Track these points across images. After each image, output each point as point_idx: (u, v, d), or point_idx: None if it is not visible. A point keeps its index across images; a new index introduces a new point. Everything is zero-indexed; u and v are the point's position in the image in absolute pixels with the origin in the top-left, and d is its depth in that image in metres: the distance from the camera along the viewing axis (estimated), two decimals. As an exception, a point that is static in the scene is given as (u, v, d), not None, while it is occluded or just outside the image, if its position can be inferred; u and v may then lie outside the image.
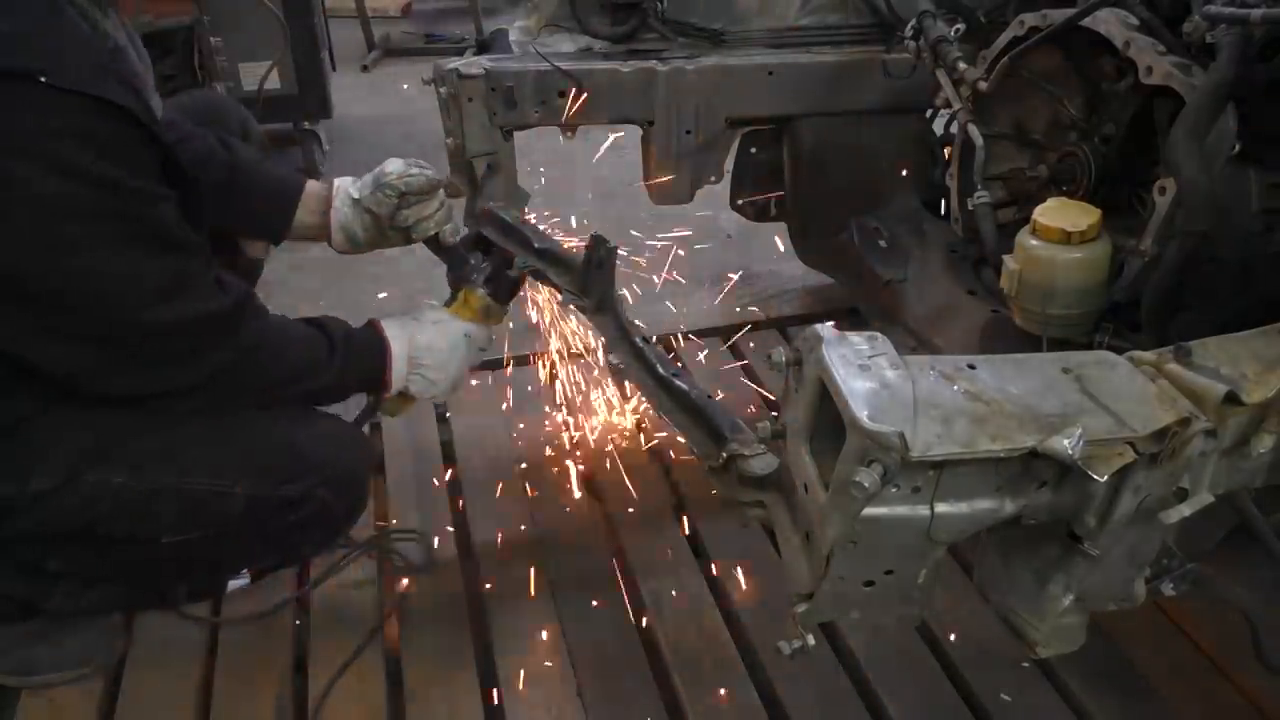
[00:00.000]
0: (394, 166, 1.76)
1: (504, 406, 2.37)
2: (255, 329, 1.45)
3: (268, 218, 1.80)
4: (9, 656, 1.63)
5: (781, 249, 2.66)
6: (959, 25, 1.98)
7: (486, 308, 1.75)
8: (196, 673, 1.70)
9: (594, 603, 1.82)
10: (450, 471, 2.16)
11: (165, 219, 1.28)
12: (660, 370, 1.54)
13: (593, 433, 2.27)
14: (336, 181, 1.82)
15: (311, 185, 1.81)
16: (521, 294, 1.88)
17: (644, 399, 1.56)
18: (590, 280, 1.63)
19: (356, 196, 1.78)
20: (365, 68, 5.41)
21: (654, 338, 1.79)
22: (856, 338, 0.97)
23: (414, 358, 1.65)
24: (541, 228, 1.87)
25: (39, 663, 1.63)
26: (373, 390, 1.68)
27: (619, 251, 1.63)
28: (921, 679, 1.66)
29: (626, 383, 1.63)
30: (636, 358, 1.56)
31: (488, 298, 1.75)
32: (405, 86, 4.71)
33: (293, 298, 2.90)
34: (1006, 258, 1.57)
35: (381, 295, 2.69)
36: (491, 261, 1.79)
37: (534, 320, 2.27)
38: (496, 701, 1.64)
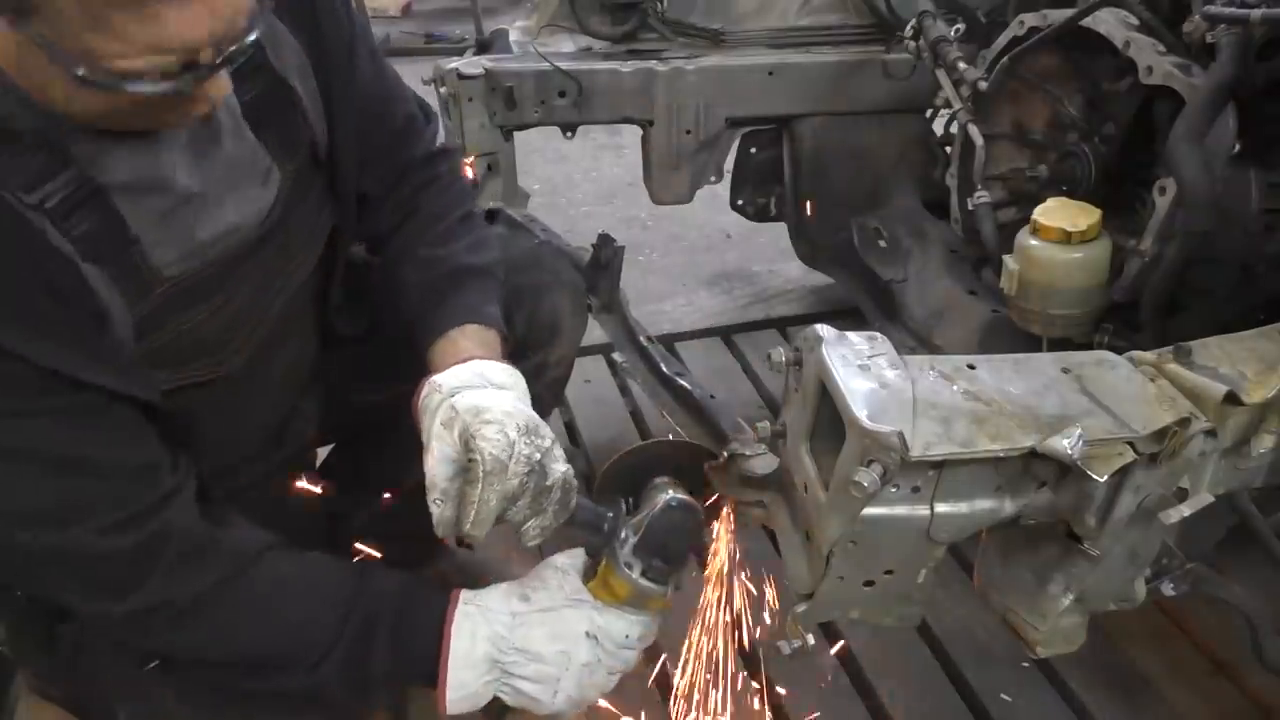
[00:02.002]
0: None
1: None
2: (175, 580, 1.04)
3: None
4: None
5: (781, 249, 2.67)
6: (959, 25, 1.98)
7: (637, 593, 1.13)
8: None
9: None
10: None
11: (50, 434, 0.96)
12: (664, 369, 1.55)
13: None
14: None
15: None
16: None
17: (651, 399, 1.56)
18: (597, 280, 1.63)
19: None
20: (365, 68, 5.40)
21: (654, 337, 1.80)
22: (856, 338, 0.97)
23: (503, 663, 1.11)
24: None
25: None
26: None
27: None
28: (921, 679, 1.66)
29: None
30: (642, 357, 1.57)
31: (640, 579, 1.13)
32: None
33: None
34: (1006, 258, 1.57)
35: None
36: (646, 512, 1.15)
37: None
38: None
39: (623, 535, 1.14)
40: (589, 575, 1.16)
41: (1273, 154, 1.44)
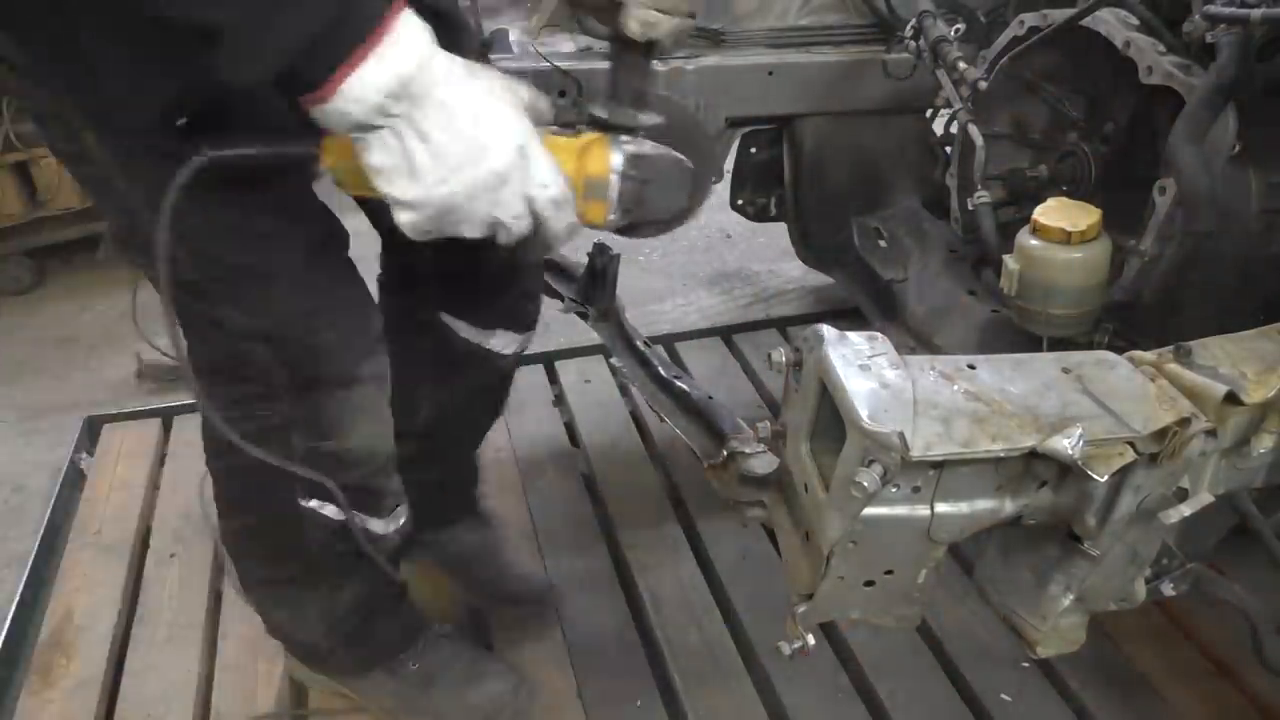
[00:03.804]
0: None
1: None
2: None
3: None
4: (413, 706, 1.55)
5: (781, 249, 2.67)
6: (959, 25, 1.98)
7: (594, 181, 1.00)
8: (197, 668, 1.71)
9: (594, 603, 1.82)
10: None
11: None
12: (662, 372, 1.55)
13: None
14: None
15: None
16: None
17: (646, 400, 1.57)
18: (592, 289, 1.63)
19: None
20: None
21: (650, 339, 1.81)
22: (856, 338, 0.97)
23: (417, 98, 0.87)
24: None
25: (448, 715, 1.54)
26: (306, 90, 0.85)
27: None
28: (921, 679, 1.66)
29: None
30: (640, 363, 1.57)
31: (617, 154, 1.00)
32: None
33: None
34: (1006, 258, 1.57)
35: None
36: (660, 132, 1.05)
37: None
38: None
39: (623, 113, 1.03)
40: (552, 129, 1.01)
41: (1272, 154, 1.44)
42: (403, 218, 0.92)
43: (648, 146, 1.02)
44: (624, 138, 1.02)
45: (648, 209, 1.03)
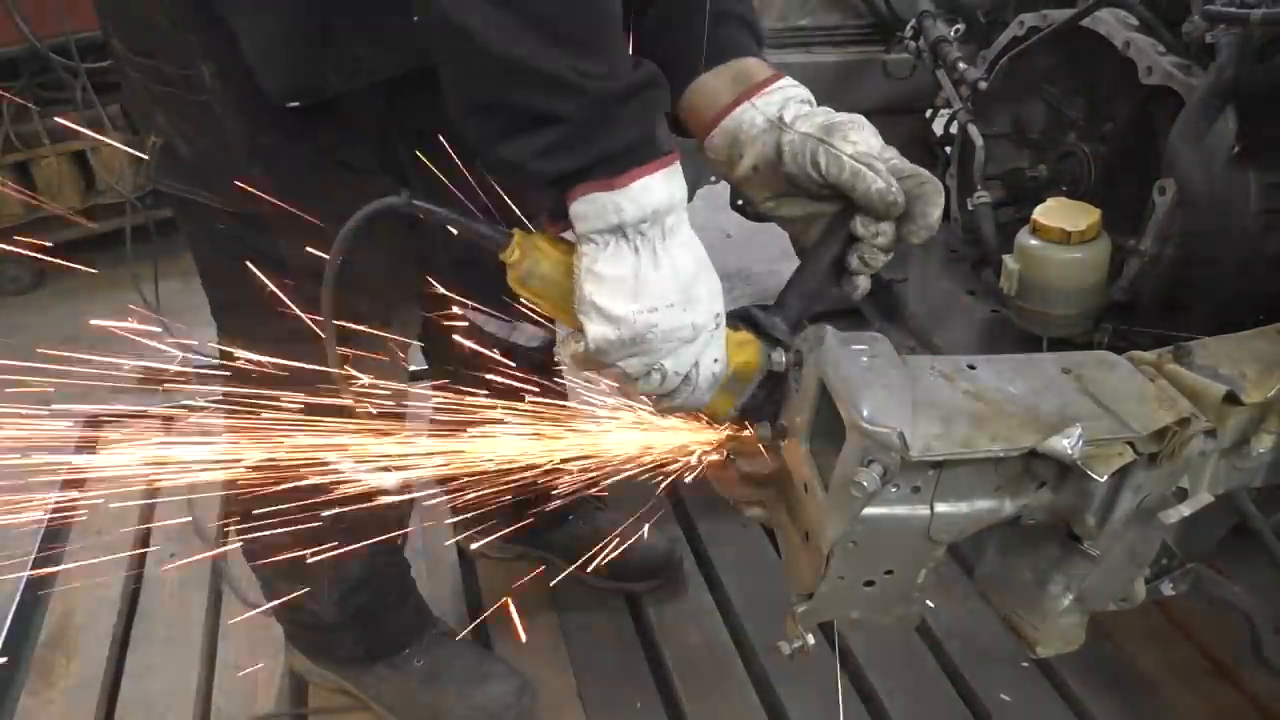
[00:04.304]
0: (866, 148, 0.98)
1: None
2: None
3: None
4: (415, 703, 1.58)
5: (781, 249, 2.66)
6: (959, 25, 1.98)
7: (738, 377, 1.03)
8: (197, 668, 1.71)
9: (594, 603, 1.82)
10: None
11: None
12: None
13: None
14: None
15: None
16: None
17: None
18: None
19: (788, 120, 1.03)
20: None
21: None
22: (856, 338, 0.97)
23: (668, 221, 0.90)
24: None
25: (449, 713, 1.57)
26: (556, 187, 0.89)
27: None
28: (921, 679, 1.66)
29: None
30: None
31: (764, 361, 1.03)
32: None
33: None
34: (1006, 258, 1.57)
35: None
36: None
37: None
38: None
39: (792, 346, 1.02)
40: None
41: (1272, 154, 1.44)
42: (595, 330, 0.90)
43: (784, 362, 1.04)
44: (771, 347, 1.05)
45: (758, 415, 1.07)
